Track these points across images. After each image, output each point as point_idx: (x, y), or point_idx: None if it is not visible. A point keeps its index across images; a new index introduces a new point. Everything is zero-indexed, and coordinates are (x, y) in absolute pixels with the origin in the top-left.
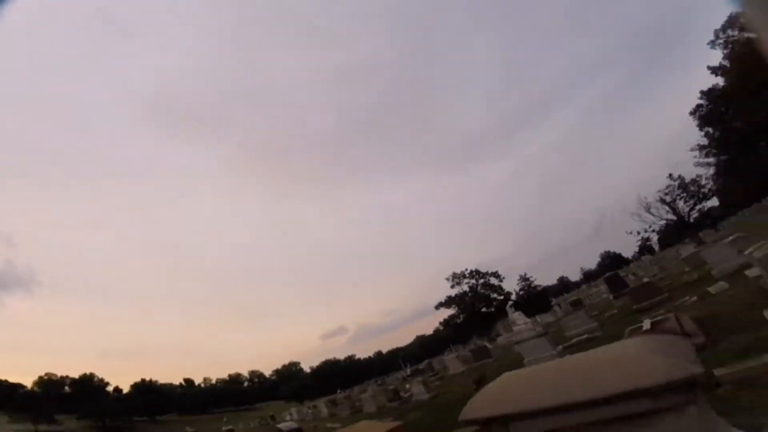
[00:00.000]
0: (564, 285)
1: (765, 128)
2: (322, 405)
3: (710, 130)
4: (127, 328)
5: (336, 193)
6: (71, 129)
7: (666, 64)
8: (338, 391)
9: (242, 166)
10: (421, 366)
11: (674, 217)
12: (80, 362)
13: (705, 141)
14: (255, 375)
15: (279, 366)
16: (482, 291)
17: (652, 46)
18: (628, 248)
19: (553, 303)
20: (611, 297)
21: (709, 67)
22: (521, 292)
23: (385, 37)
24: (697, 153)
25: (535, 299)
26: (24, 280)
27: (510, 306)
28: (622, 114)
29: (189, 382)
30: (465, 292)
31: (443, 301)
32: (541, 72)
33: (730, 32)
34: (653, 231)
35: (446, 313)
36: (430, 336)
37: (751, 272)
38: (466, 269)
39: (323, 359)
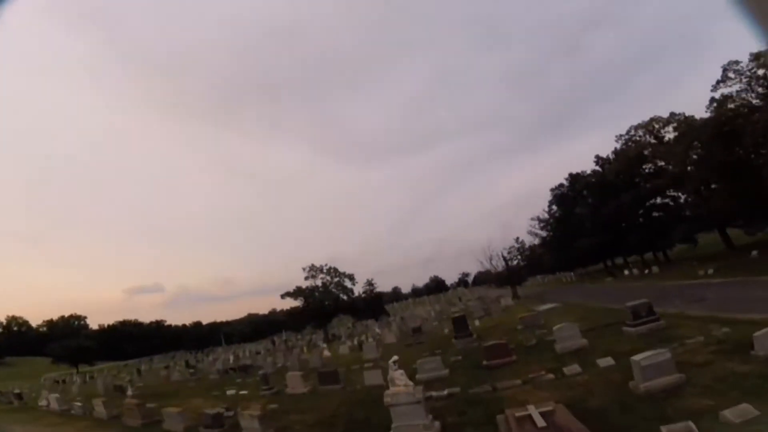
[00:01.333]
0: (396, 295)
1: (596, 226)
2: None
3: (555, 208)
4: None
5: (214, 137)
6: None
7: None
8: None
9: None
10: (246, 363)
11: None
12: None
13: (545, 215)
14: (16, 322)
15: (55, 317)
16: (334, 290)
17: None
18: (450, 278)
19: (390, 318)
20: (454, 338)
21: (596, 156)
22: (364, 294)
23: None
24: (535, 222)
25: (373, 304)
26: None
27: (394, 361)
28: (510, 162)
29: None
30: (316, 287)
31: (292, 291)
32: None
33: (639, 133)
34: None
35: (290, 303)
36: (264, 316)
37: (603, 361)
38: (326, 264)
39: (121, 318)
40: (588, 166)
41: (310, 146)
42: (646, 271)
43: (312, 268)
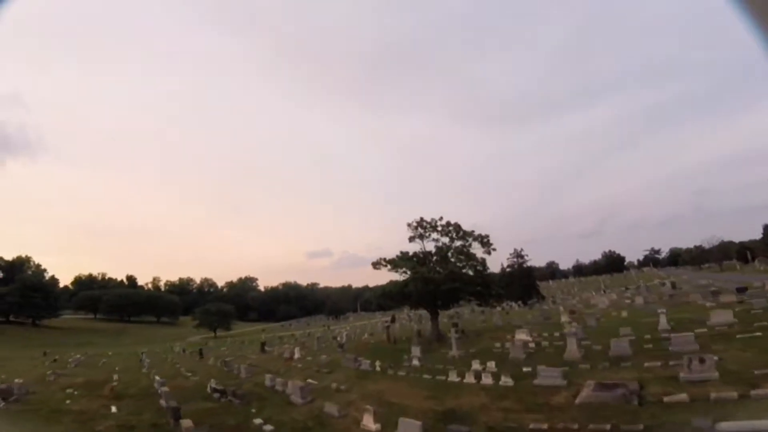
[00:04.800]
0: (552, 272)
1: None
2: None
3: None
4: (119, 208)
5: (360, 115)
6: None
7: None
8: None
9: (269, 66)
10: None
11: None
12: (49, 239)
13: None
14: (207, 283)
15: (234, 279)
16: (453, 258)
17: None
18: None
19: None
20: None
21: None
22: (508, 269)
23: None
24: None
25: (521, 280)
26: (32, 145)
27: None
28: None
29: (131, 281)
30: (428, 254)
31: (389, 258)
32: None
33: None
34: None
35: (386, 276)
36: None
37: None
38: (440, 219)
39: (284, 281)
40: None
41: (451, 113)
42: None
43: (420, 224)
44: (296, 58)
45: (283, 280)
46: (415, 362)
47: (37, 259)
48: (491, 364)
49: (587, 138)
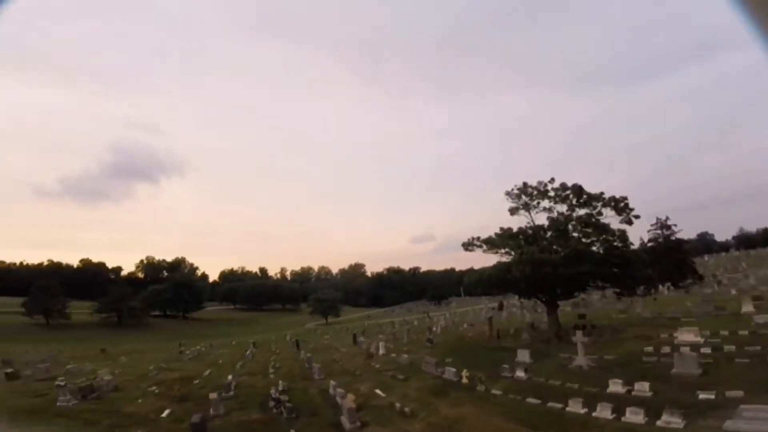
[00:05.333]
0: (706, 244)
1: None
2: None
3: None
4: (253, 210)
5: (447, 101)
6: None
7: None
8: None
9: (356, 69)
10: None
11: None
12: (199, 241)
13: None
14: (324, 271)
15: (346, 266)
16: (577, 232)
17: None
18: None
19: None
20: None
21: None
22: (650, 243)
23: None
24: None
25: (670, 253)
26: (180, 166)
27: None
28: None
29: (263, 272)
30: (538, 228)
31: (485, 238)
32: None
33: None
34: None
35: (484, 259)
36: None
37: None
38: (550, 182)
39: (388, 266)
40: None
41: (544, 82)
42: None
43: (524, 190)
44: (378, 53)
45: (388, 266)
46: (520, 373)
47: (190, 259)
48: (642, 385)
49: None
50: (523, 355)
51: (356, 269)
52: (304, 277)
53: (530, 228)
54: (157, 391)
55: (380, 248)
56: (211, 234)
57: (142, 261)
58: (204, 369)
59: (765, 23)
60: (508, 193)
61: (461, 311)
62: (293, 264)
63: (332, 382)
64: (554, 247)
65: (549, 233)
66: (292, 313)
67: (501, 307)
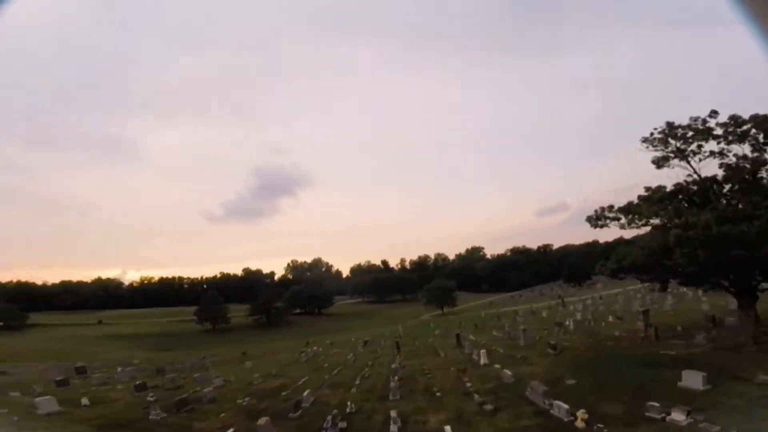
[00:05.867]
0: None
1: None
2: None
3: None
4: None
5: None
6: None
7: None
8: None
9: (456, 46)
10: None
11: None
12: (333, 242)
13: None
14: (440, 258)
15: (463, 250)
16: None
17: None
18: None
19: None
20: None
21: None
22: None
23: None
24: None
25: None
26: (308, 178)
27: None
28: None
29: (385, 265)
30: (707, 181)
31: (621, 206)
32: None
33: None
34: None
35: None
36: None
37: None
38: (713, 114)
39: (512, 246)
40: None
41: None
42: None
43: (672, 133)
44: (479, 19)
45: (510, 246)
46: (679, 415)
47: (325, 258)
48: None
49: None
50: (693, 379)
51: (473, 253)
52: (421, 265)
53: (694, 182)
54: (244, 403)
55: (500, 228)
56: (341, 233)
57: (288, 264)
58: (304, 375)
59: (765, 23)
60: (646, 140)
61: (608, 295)
62: (412, 253)
63: (392, 414)
64: (739, 206)
65: (728, 187)
66: (410, 303)
67: (665, 288)
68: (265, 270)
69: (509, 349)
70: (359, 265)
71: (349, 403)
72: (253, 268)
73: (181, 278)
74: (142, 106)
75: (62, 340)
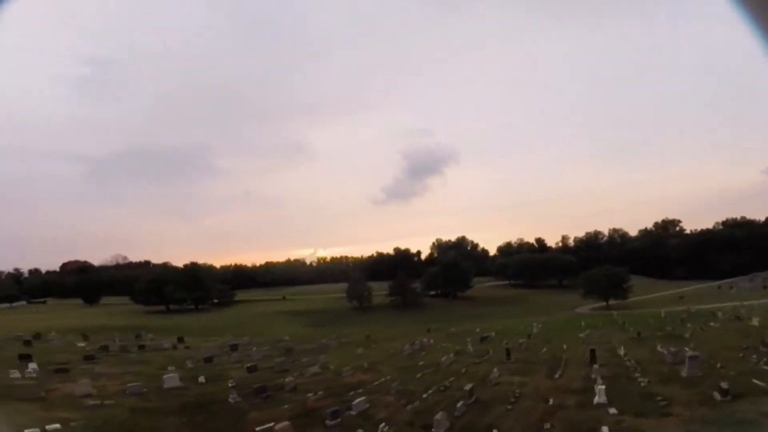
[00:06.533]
0: None
1: None
2: None
3: None
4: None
5: None
6: None
7: None
8: None
9: None
10: None
11: None
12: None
13: None
14: (617, 234)
15: (650, 224)
16: None
17: None
18: None
19: None
20: None
21: None
22: None
23: None
24: None
25: None
26: (453, 154)
27: None
28: None
29: (540, 243)
30: None
31: None
32: None
33: None
34: None
35: None
36: None
37: None
38: None
39: (725, 217)
40: None
41: None
42: None
43: None
44: None
45: (721, 218)
46: None
47: (472, 236)
48: None
49: None
50: None
51: (665, 228)
52: (589, 245)
53: None
54: (314, 397)
55: (704, 195)
56: (490, 208)
57: (433, 243)
58: (390, 374)
59: (765, 23)
60: None
61: None
62: (578, 229)
63: None
64: None
65: None
66: (567, 291)
67: None
68: (422, 248)
69: (657, 379)
70: (509, 244)
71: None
72: (412, 247)
73: (346, 257)
74: (307, 110)
75: (249, 315)
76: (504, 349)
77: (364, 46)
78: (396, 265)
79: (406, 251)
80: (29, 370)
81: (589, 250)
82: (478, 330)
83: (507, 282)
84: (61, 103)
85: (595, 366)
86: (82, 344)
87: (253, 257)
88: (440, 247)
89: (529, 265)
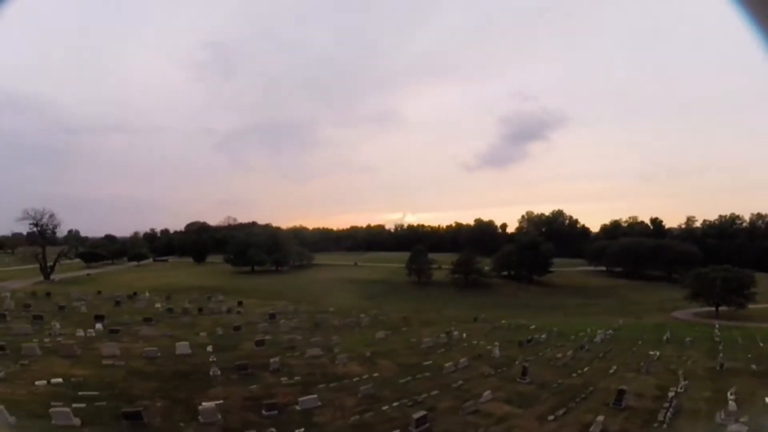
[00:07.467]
0: None
1: None
2: None
3: None
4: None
5: None
6: None
7: None
8: None
9: None
10: None
11: None
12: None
13: None
14: (762, 221)
15: None
16: None
17: None
18: None
19: None
20: None
21: None
22: None
23: None
24: None
25: None
26: (560, 120)
27: None
28: None
29: (656, 225)
30: None
31: None
32: None
33: None
34: None
35: None
36: None
37: None
38: None
39: None
40: None
41: None
42: None
43: None
44: None
45: None
46: None
47: (570, 209)
48: None
49: None
50: None
51: None
52: (721, 230)
53: None
54: (286, 382)
55: None
56: (601, 178)
57: (522, 216)
58: (376, 372)
59: (765, 23)
60: None
61: None
62: (709, 212)
63: None
64: None
65: None
66: (674, 286)
67: None
68: (509, 221)
69: None
70: (616, 222)
71: None
72: (504, 218)
73: (422, 226)
74: (400, 78)
75: (315, 281)
76: (539, 361)
77: (459, 12)
78: (473, 238)
79: (489, 223)
80: (93, 330)
81: (720, 237)
82: (533, 327)
83: (604, 269)
84: (189, 85)
85: (599, 418)
86: (158, 306)
87: (349, 219)
88: (530, 220)
89: (633, 250)
